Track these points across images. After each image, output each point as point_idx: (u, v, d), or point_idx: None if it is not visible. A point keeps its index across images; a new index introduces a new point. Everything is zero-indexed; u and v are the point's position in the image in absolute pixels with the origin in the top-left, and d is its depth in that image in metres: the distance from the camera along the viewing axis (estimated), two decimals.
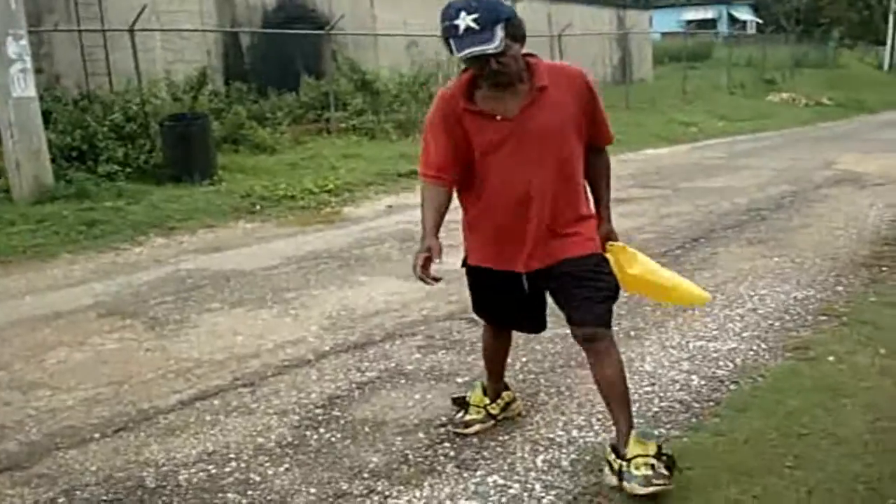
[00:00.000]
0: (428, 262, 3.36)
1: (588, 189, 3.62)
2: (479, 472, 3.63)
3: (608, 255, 3.58)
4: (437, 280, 3.40)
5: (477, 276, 3.70)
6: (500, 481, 3.50)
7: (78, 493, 3.65)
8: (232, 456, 3.90)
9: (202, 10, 16.95)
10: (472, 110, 3.34)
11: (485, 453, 3.79)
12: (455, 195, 3.57)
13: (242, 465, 3.81)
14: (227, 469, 3.78)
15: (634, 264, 3.61)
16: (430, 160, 3.48)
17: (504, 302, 3.67)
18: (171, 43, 16.05)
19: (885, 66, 43.56)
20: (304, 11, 18.98)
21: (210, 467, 3.80)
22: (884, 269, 6.73)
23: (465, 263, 3.71)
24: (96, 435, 4.21)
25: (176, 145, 11.86)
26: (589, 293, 3.40)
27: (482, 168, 3.41)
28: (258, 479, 3.68)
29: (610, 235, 3.68)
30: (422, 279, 3.38)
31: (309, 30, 17.91)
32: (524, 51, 3.33)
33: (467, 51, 3.12)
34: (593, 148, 3.58)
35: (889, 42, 44.53)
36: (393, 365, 4.97)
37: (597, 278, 3.43)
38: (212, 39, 17.20)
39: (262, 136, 14.46)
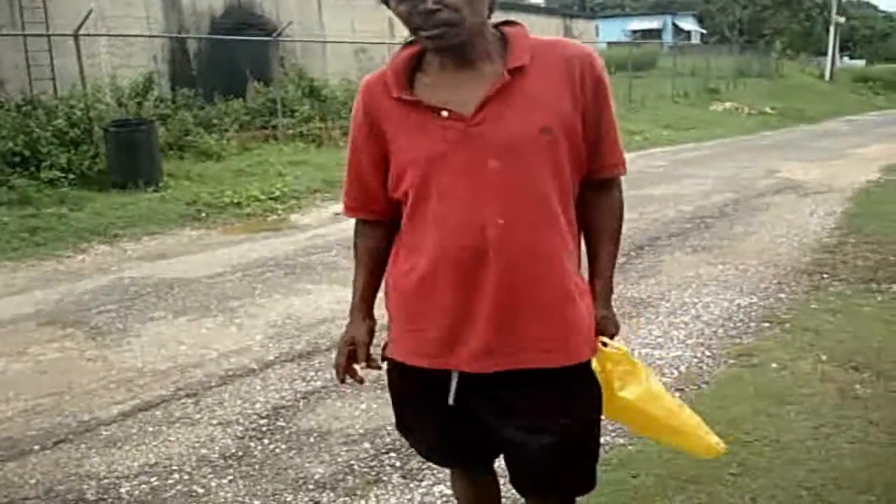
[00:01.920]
0: (351, 359, 2.29)
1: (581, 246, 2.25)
2: (424, 483, 3.62)
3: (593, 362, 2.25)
4: (361, 381, 2.37)
5: (402, 378, 2.31)
6: (447, 491, 3.48)
7: None
8: (175, 468, 3.85)
9: (149, 16, 16.78)
10: (405, 101, 2.06)
11: (431, 463, 3.76)
12: None
13: (185, 477, 3.76)
14: (170, 481, 3.73)
15: (632, 383, 2.27)
16: (353, 184, 2.27)
17: (431, 423, 2.34)
18: (116, 48, 15.86)
19: (827, 76, 44.34)
20: (251, 18, 18.88)
21: (152, 479, 3.75)
22: (825, 276, 6.83)
23: (383, 356, 2.32)
24: (36, 447, 4.13)
25: (121, 151, 11.69)
26: (556, 448, 2.15)
27: (415, 198, 2.10)
28: (201, 491, 3.63)
29: (604, 327, 2.25)
30: (342, 382, 2.34)
31: (257, 36, 17.82)
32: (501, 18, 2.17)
33: None
34: (594, 180, 2.19)
35: (830, 53, 45.37)
36: None
37: (576, 417, 2.18)
38: (158, 45, 17.04)
39: (209, 142, 14.33)
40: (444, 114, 2.01)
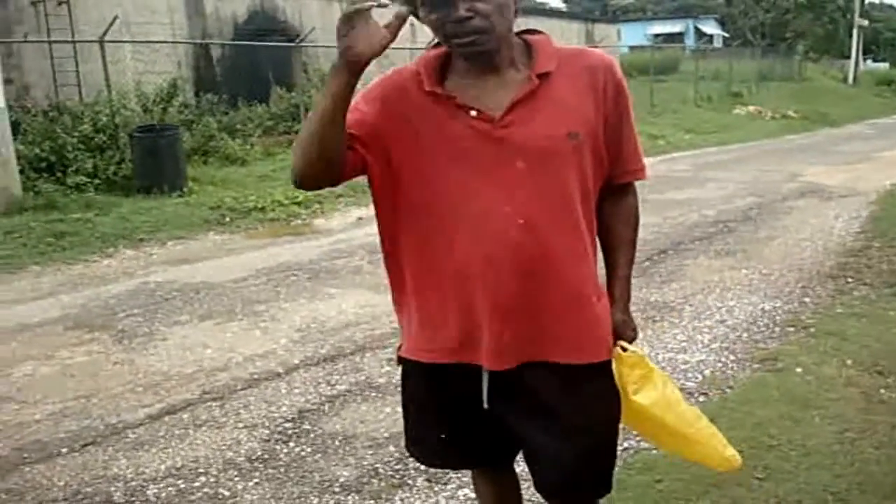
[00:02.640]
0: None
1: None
2: (449, 486, 3.63)
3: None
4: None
5: (414, 382, 2.34)
6: (471, 495, 3.48)
7: None
8: (201, 470, 3.88)
9: (173, 22, 16.91)
10: (439, 95, 2.07)
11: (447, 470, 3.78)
12: (382, 247, 2.27)
13: (212, 479, 3.79)
14: (197, 484, 3.76)
15: (648, 388, 2.25)
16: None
17: (457, 424, 2.32)
18: (141, 54, 15.97)
19: (850, 80, 44.05)
20: (274, 23, 19.00)
21: (179, 482, 3.78)
22: (849, 280, 6.80)
23: (399, 359, 2.35)
24: (64, 449, 4.17)
25: (146, 157, 11.79)
26: (577, 450, 2.19)
27: (436, 199, 2.09)
28: (227, 493, 3.66)
29: (622, 331, 2.27)
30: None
31: (279, 42, 17.90)
32: (525, 27, 2.22)
33: None
34: (613, 185, 2.24)
35: (853, 56, 45.09)
36: (363, 378, 4.95)
37: (596, 418, 2.22)
38: (182, 51, 17.16)
39: (233, 147, 14.42)
40: (474, 112, 2.05)
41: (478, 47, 2.00)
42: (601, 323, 2.20)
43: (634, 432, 3.67)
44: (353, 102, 2.04)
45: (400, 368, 2.35)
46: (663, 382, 2.28)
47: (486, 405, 2.21)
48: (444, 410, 2.32)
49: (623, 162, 2.22)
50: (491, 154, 2.05)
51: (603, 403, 2.22)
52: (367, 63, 1.94)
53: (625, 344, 2.25)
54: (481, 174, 2.06)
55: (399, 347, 2.33)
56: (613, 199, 2.26)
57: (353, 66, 1.93)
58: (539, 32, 2.18)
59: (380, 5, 1.91)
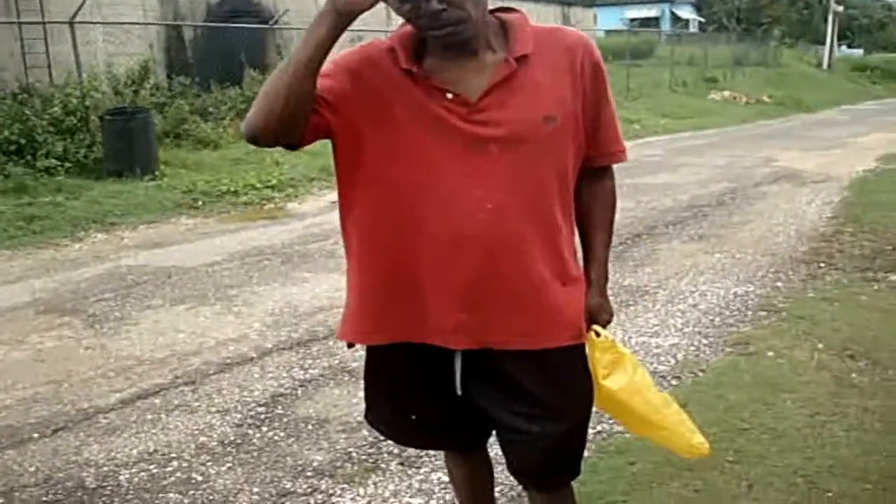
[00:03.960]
0: None
1: (576, 233, 2.26)
2: (423, 470, 3.63)
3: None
4: None
5: (385, 362, 2.30)
6: (444, 478, 3.48)
7: (17, 494, 3.58)
8: (173, 455, 3.86)
9: (144, 3, 16.72)
10: (415, 74, 2.02)
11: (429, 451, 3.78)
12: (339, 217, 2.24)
13: (184, 464, 3.77)
14: (169, 469, 3.73)
15: (617, 373, 2.25)
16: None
17: (429, 406, 2.33)
18: (112, 36, 15.81)
19: (825, 65, 44.31)
20: (247, 5, 18.81)
21: (151, 467, 3.76)
22: (821, 265, 6.85)
23: (342, 338, 2.33)
24: (35, 435, 4.13)
25: (117, 140, 11.66)
26: (551, 433, 2.19)
27: (401, 177, 2.05)
28: (200, 478, 3.64)
29: (597, 314, 2.27)
30: None
31: (252, 23, 17.77)
32: (501, 3, 2.20)
33: None
34: (590, 168, 2.20)
35: (828, 41, 45.33)
36: (336, 362, 4.94)
37: (569, 402, 2.22)
38: (154, 32, 16.98)
39: (205, 130, 14.29)
40: (450, 95, 2.00)
41: (455, 37, 1.96)
42: (563, 308, 2.15)
43: (607, 416, 3.69)
44: (323, 67, 1.97)
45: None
46: (633, 368, 2.28)
47: (458, 391, 2.20)
48: (417, 392, 2.30)
49: (602, 144, 2.18)
50: (464, 137, 2.01)
51: (575, 387, 2.22)
52: (357, 14, 1.88)
53: (598, 328, 2.24)
54: (453, 156, 2.02)
55: (343, 327, 2.28)
56: (591, 181, 2.23)
57: (343, 15, 1.88)
58: (514, 10, 2.13)
59: None
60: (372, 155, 2.07)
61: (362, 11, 1.88)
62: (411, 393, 2.31)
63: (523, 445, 2.23)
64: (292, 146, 2.08)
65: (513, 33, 2.07)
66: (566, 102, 2.06)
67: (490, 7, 2.07)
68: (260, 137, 2.02)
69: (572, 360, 2.19)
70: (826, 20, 45.69)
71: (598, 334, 2.23)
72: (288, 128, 1.99)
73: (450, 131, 2.01)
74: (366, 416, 2.49)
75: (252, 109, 2.00)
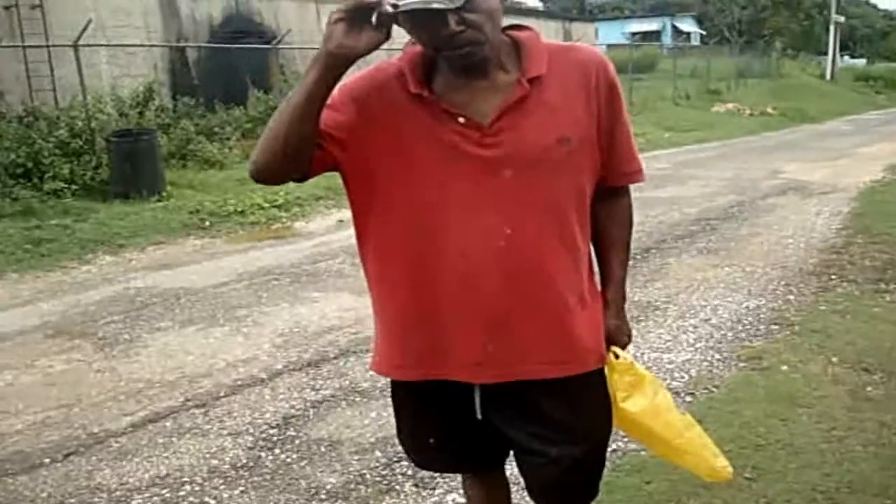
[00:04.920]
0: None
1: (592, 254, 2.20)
2: (437, 491, 3.61)
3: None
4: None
5: (405, 390, 2.29)
6: (460, 500, 3.46)
7: None
8: (186, 479, 3.83)
9: (147, 25, 16.79)
10: (425, 98, 1.97)
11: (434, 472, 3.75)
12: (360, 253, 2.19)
13: (197, 488, 3.75)
14: (182, 493, 3.71)
15: (637, 395, 2.20)
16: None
17: (449, 432, 2.30)
18: (116, 58, 15.87)
19: (827, 76, 44.32)
20: (250, 25, 18.90)
21: (164, 491, 3.73)
22: (833, 277, 6.81)
23: (376, 370, 2.31)
24: (46, 460, 4.11)
25: (123, 161, 11.67)
26: (570, 456, 2.16)
27: (417, 206, 2.01)
28: (213, 502, 3.63)
29: (615, 335, 2.22)
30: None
31: (256, 44, 17.82)
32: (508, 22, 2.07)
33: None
34: (606, 188, 2.15)
35: (830, 52, 45.37)
36: (347, 383, 4.91)
37: (590, 425, 2.19)
38: (158, 54, 17.05)
39: (211, 151, 14.30)
40: (462, 119, 1.95)
41: (471, 58, 1.91)
42: (587, 332, 2.13)
43: (622, 434, 3.67)
44: (330, 98, 1.93)
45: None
46: (654, 390, 2.23)
47: (479, 416, 2.18)
48: (436, 418, 2.28)
49: (618, 163, 2.12)
50: (478, 162, 1.96)
51: (595, 410, 2.19)
52: (352, 61, 1.85)
53: (617, 350, 2.20)
54: (467, 182, 1.97)
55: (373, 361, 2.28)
56: (607, 200, 2.18)
57: (336, 61, 1.83)
58: (525, 28, 2.08)
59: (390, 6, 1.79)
60: (384, 185, 2.03)
61: (357, 57, 1.84)
62: (431, 418, 2.28)
63: (542, 468, 2.19)
64: (299, 180, 2.06)
65: (526, 53, 2.01)
66: (581, 123, 2.01)
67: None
68: (265, 177, 2.01)
69: (592, 383, 2.16)
70: (828, 30, 45.74)
71: (616, 356, 2.19)
72: (291, 166, 1.98)
73: (463, 157, 1.96)
74: (398, 436, 2.47)
75: (256, 149, 1.99)
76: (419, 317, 2.08)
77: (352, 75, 2.06)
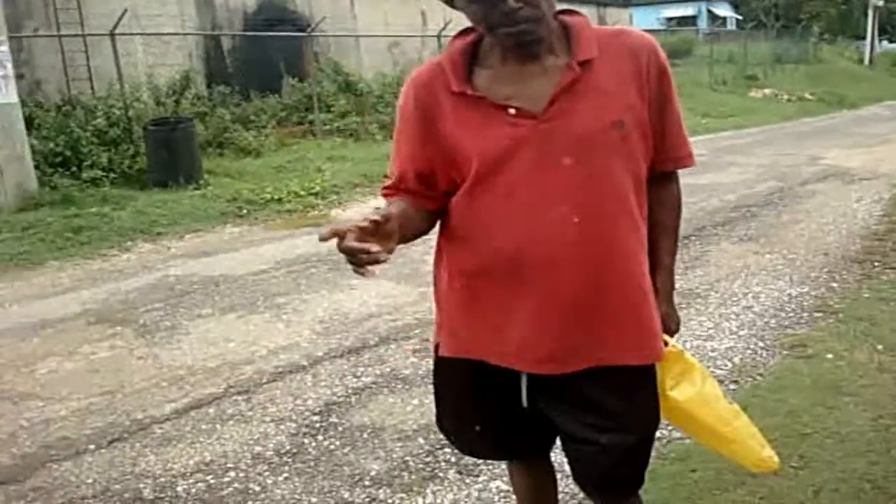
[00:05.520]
0: (376, 224, 1.81)
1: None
2: (481, 478, 3.60)
3: None
4: (377, 261, 1.75)
5: (452, 374, 2.27)
6: (504, 487, 3.46)
7: None
8: (230, 465, 3.85)
9: (182, 13, 16.86)
10: (469, 96, 1.97)
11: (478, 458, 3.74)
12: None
13: (241, 474, 3.76)
14: (226, 479, 3.73)
15: (685, 383, 2.21)
16: (394, 167, 2.15)
17: (495, 418, 2.29)
18: (152, 46, 15.96)
19: (866, 61, 43.73)
20: (284, 13, 18.91)
21: (208, 477, 3.75)
22: (876, 264, 6.72)
23: (436, 355, 2.30)
24: (91, 446, 4.15)
25: (160, 150, 11.74)
26: (621, 445, 2.13)
27: (478, 198, 2.02)
28: (258, 488, 3.63)
29: (665, 323, 2.20)
30: (354, 256, 1.75)
31: (290, 31, 17.85)
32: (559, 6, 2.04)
33: None
34: (656, 174, 2.13)
35: (868, 37, 44.75)
36: (389, 370, 4.91)
37: (642, 415, 2.17)
38: (193, 42, 17.12)
39: (247, 139, 14.37)
40: (512, 111, 1.94)
41: (527, 36, 1.90)
42: (656, 320, 2.12)
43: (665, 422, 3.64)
44: (394, 141, 2.13)
45: (431, 360, 2.28)
46: (702, 379, 2.23)
47: (524, 403, 2.17)
48: (482, 405, 2.27)
49: (668, 148, 2.11)
50: (535, 152, 1.94)
51: (646, 399, 2.17)
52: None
53: (667, 338, 2.19)
54: (529, 173, 1.95)
55: (437, 346, 2.27)
56: (657, 186, 2.15)
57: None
58: (575, 13, 2.06)
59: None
60: (465, 183, 2.04)
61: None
62: (477, 405, 2.28)
63: (591, 456, 2.17)
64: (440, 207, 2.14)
65: (576, 37, 1.99)
66: (634, 107, 1.99)
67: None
68: None
69: (644, 371, 2.14)
70: (866, 15, 45.09)
71: (666, 344, 2.17)
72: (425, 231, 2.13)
73: (519, 149, 1.95)
74: (437, 422, 2.46)
75: None
76: (489, 310, 2.08)
77: (401, 93, 2.12)
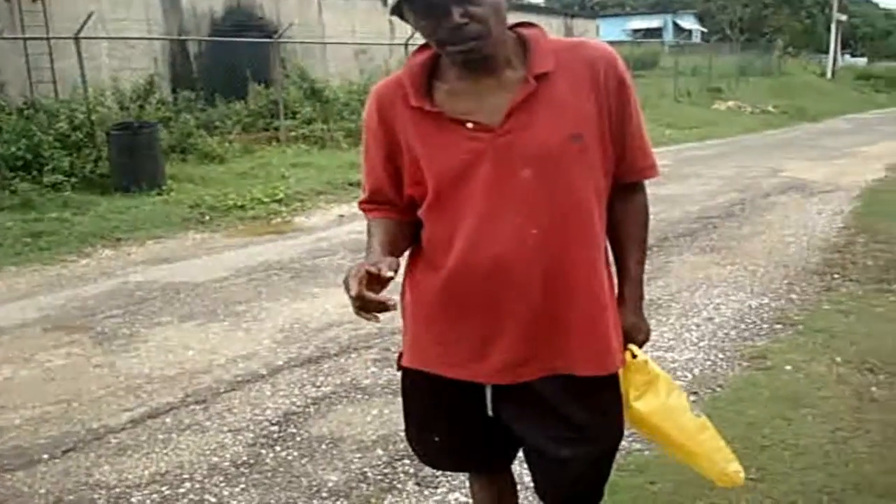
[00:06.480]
0: (373, 277, 1.84)
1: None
2: (440, 490, 3.58)
3: None
4: (386, 308, 1.82)
5: (414, 384, 2.26)
6: (463, 499, 3.44)
7: None
8: (186, 476, 3.80)
9: (148, 18, 16.74)
10: (426, 112, 1.98)
11: (443, 470, 3.71)
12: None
13: (197, 485, 3.71)
14: (181, 490, 3.68)
15: (648, 395, 2.19)
16: (367, 181, 2.18)
17: (457, 430, 2.26)
18: (117, 51, 15.83)
19: (828, 75, 44.26)
20: (252, 19, 18.86)
21: (163, 488, 3.70)
22: (835, 276, 6.78)
23: (399, 365, 2.27)
24: (45, 456, 4.08)
25: (123, 154, 11.64)
26: (583, 457, 2.14)
27: (437, 213, 2.04)
28: (213, 500, 3.59)
29: (633, 334, 2.20)
30: (361, 303, 1.82)
31: (257, 37, 17.77)
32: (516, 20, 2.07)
33: None
34: (620, 184, 2.12)
35: (831, 51, 45.31)
36: (349, 379, 4.88)
37: (605, 427, 2.17)
38: (159, 47, 17.01)
39: (211, 144, 14.29)
40: (470, 125, 1.95)
41: (475, 54, 1.90)
42: (615, 331, 2.12)
43: (627, 432, 3.63)
44: (363, 155, 2.14)
45: (391, 370, 2.28)
46: (667, 391, 2.21)
47: (490, 413, 2.16)
48: (444, 416, 2.26)
49: (631, 159, 2.10)
50: (493, 166, 1.95)
51: (611, 411, 2.17)
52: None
53: (634, 349, 2.18)
54: (487, 186, 1.96)
55: (400, 355, 2.25)
56: (622, 197, 2.15)
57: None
58: (532, 25, 2.05)
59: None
60: (425, 197, 2.05)
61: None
62: (439, 416, 2.26)
63: (554, 468, 2.17)
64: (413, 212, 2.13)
65: (532, 50, 1.99)
66: (591, 119, 1.98)
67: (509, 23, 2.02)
68: None
69: (609, 383, 2.13)
70: (829, 29, 45.68)
71: (634, 355, 2.17)
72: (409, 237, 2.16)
73: (478, 162, 1.96)
74: (405, 432, 2.44)
75: None
76: (458, 319, 2.08)
77: (364, 111, 2.15)
